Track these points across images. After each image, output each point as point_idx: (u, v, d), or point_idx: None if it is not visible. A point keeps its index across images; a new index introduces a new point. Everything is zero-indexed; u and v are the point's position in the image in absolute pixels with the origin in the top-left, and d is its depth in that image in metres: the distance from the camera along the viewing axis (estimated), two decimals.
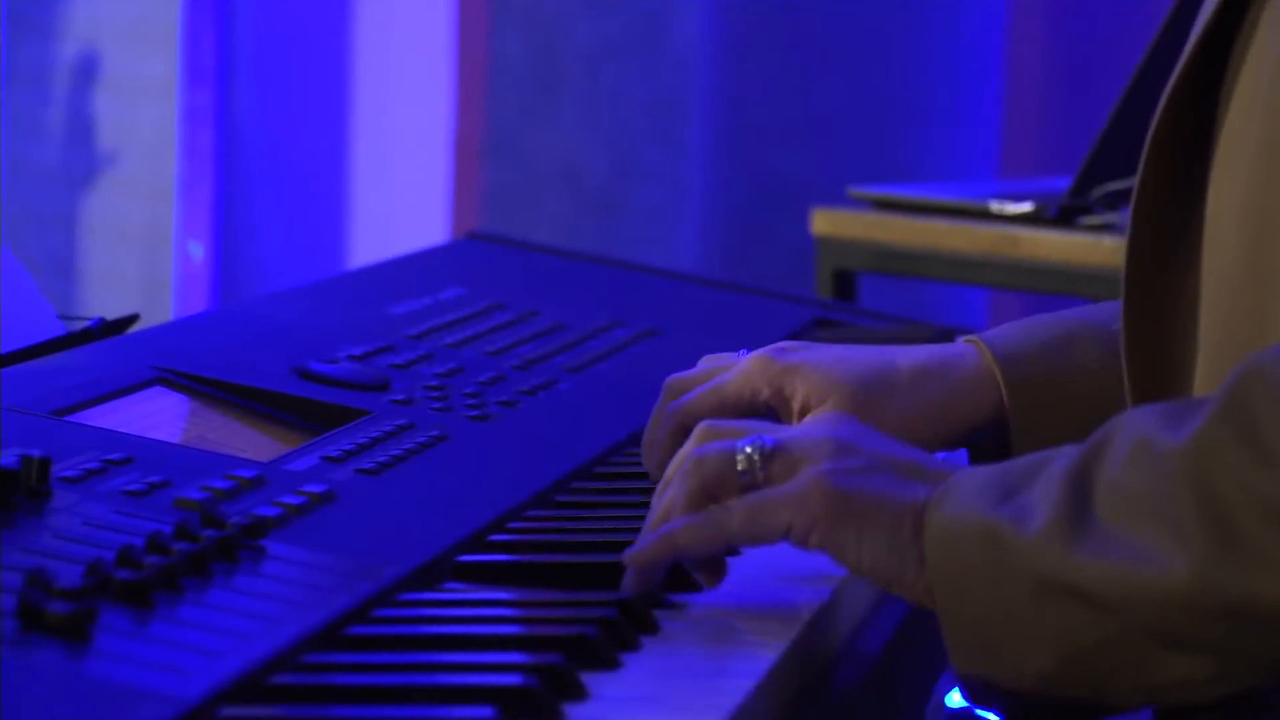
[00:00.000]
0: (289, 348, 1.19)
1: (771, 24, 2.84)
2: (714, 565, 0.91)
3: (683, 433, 0.98)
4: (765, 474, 0.88)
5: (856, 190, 2.18)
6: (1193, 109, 0.93)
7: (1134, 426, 0.84)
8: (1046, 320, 1.08)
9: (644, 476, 1.04)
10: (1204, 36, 0.92)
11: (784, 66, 2.85)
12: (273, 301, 1.34)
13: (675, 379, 1.04)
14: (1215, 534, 0.79)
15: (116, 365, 1.10)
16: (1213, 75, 0.92)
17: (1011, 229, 2.02)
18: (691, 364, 1.06)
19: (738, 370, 1.02)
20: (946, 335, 1.41)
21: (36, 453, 0.88)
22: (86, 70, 3.22)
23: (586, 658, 0.81)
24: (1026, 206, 2.03)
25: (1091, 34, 2.75)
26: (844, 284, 2.14)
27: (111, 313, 1.23)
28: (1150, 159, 0.93)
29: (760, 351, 1.03)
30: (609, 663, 0.81)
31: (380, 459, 1.02)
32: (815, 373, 1.02)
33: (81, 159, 3.25)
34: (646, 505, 0.93)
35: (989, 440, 1.06)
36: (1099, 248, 1.96)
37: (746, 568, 0.96)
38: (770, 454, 0.88)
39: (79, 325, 1.21)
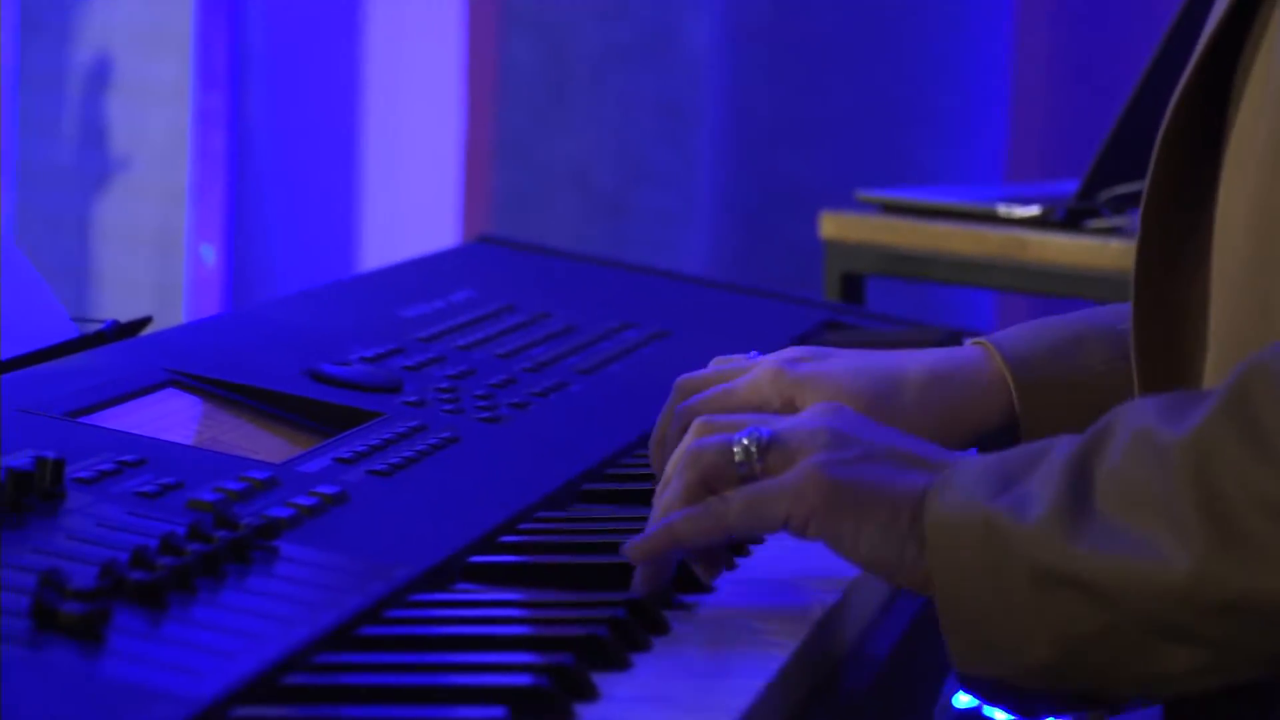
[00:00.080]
0: (301, 350, 1.19)
1: (779, 29, 2.85)
2: (713, 559, 0.92)
3: None
4: (763, 465, 0.89)
5: (864, 194, 2.19)
6: (1202, 111, 0.93)
7: (1134, 418, 0.84)
8: (1054, 323, 1.08)
9: (654, 478, 1.05)
10: (1214, 38, 0.92)
11: (792, 71, 2.85)
12: (285, 304, 1.35)
13: (685, 379, 1.04)
14: (1215, 529, 0.80)
15: (129, 367, 1.11)
16: (1223, 77, 0.92)
17: (1019, 232, 2.02)
18: (701, 366, 1.06)
19: (749, 379, 1.03)
20: (954, 338, 1.42)
21: (50, 454, 0.89)
22: (99, 74, 3.23)
23: (597, 658, 0.81)
24: (1034, 210, 2.03)
25: (1098, 39, 2.75)
26: (852, 287, 2.14)
27: (124, 315, 1.24)
28: (1160, 161, 0.94)
29: (770, 362, 1.03)
30: (619, 663, 0.82)
31: (392, 460, 1.02)
32: (825, 384, 1.02)
33: (94, 162, 3.25)
34: None
35: (999, 443, 1.06)
36: (1106, 251, 1.96)
37: (755, 569, 0.96)
38: (767, 445, 0.89)
39: (92, 328, 1.21)
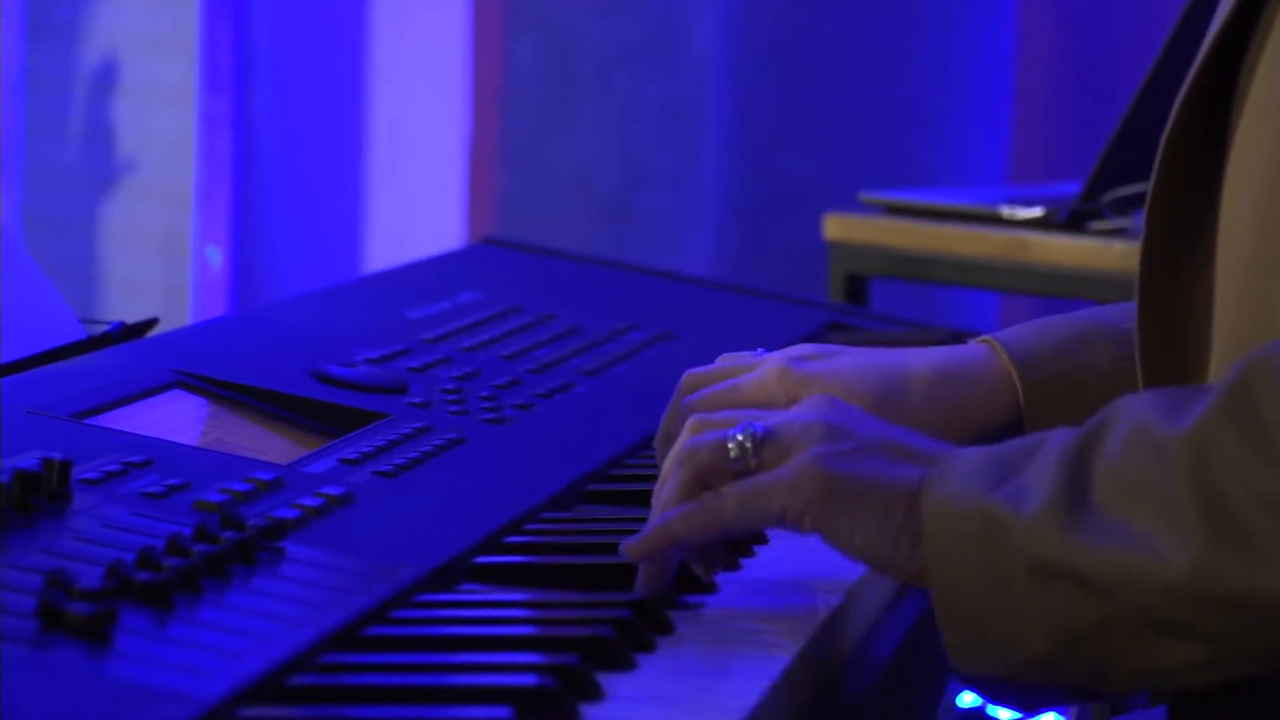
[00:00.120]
0: (307, 351, 1.19)
1: (784, 31, 2.85)
2: (711, 556, 0.92)
3: None
4: (758, 460, 0.89)
5: (868, 195, 2.19)
6: (1207, 112, 0.93)
7: (1132, 412, 0.84)
8: (1059, 321, 1.08)
9: (659, 478, 1.05)
10: (1218, 39, 0.92)
11: (796, 73, 2.85)
12: (290, 306, 1.35)
13: (691, 374, 1.04)
14: (1214, 526, 0.80)
15: (136, 369, 1.11)
16: (1227, 79, 0.92)
17: (1022, 234, 2.03)
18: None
19: (754, 376, 1.03)
20: (958, 339, 1.42)
21: (57, 455, 0.89)
22: (106, 76, 3.23)
23: (602, 658, 0.81)
24: (1037, 211, 2.03)
25: (1101, 41, 2.76)
26: (856, 288, 2.15)
27: (131, 317, 1.24)
28: (1164, 162, 0.94)
29: (776, 359, 1.03)
30: (625, 663, 0.82)
31: (397, 461, 1.02)
32: (831, 382, 1.02)
33: (100, 164, 3.26)
34: None
35: (1005, 441, 1.06)
36: (1109, 252, 1.96)
37: (760, 569, 0.97)
38: (761, 440, 0.89)
39: (99, 329, 1.22)
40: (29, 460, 0.88)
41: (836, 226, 2.15)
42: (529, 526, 1.00)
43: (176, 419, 1.06)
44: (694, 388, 1.03)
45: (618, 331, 1.38)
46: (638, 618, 0.86)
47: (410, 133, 3.25)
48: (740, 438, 0.89)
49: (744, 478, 0.89)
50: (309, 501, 0.94)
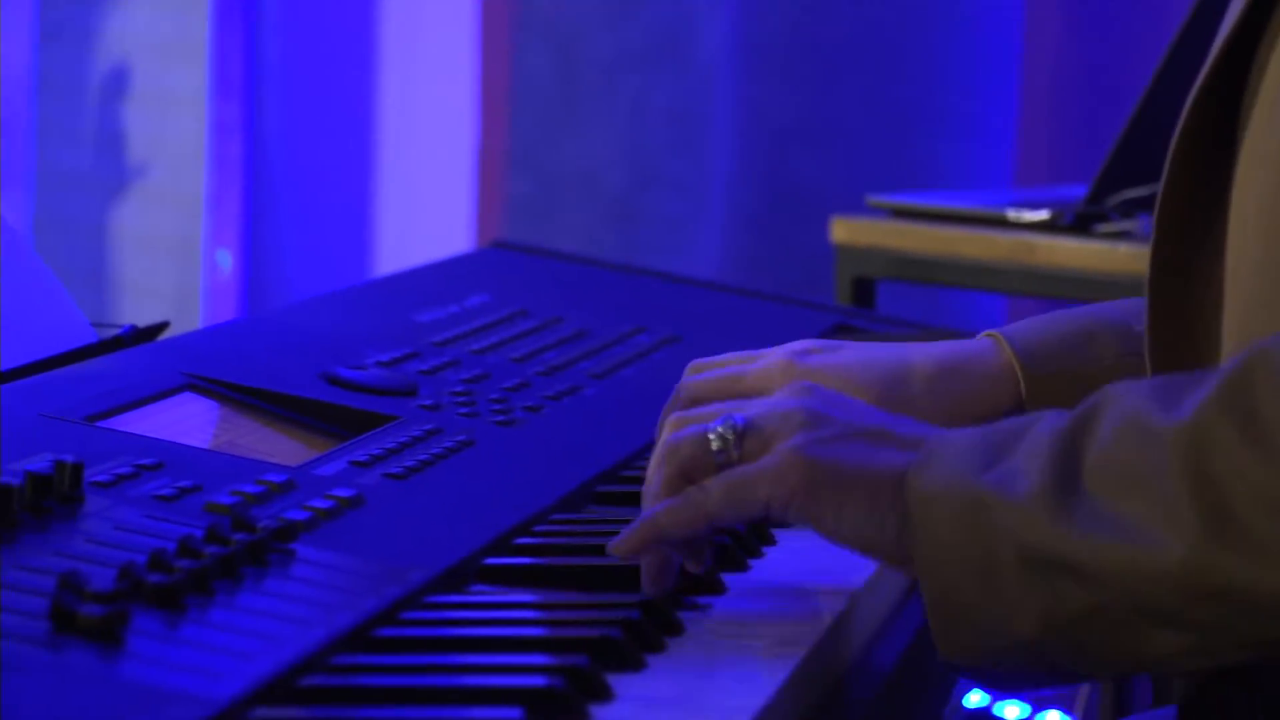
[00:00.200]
0: (317, 354, 1.20)
1: (791, 35, 2.85)
2: (699, 549, 0.91)
3: None
4: (740, 451, 0.88)
5: (875, 199, 2.19)
6: (1217, 114, 0.93)
7: (1125, 399, 0.83)
8: (1065, 316, 1.08)
9: None
10: (1229, 41, 0.92)
11: (803, 77, 2.85)
12: (301, 309, 1.35)
13: (697, 363, 1.04)
14: (1211, 520, 0.79)
15: (147, 372, 1.11)
16: (1237, 80, 0.92)
17: (1028, 236, 2.03)
18: None
19: (758, 367, 1.03)
20: None
21: (69, 458, 0.89)
22: (118, 83, 3.24)
23: (612, 659, 0.81)
24: (1043, 214, 2.03)
25: (1106, 44, 2.76)
26: (863, 291, 2.15)
27: (142, 321, 1.25)
28: (1174, 163, 0.93)
29: (781, 353, 1.04)
30: (634, 664, 0.82)
31: (408, 464, 1.03)
32: (835, 375, 1.02)
33: (112, 170, 3.27)
34: None
35: None
36: (1115, 255, 1.96)
37: (768, 570, 0.97)
38: (743, 431, 0.89)
39: (110, 333, 1.22)
40: (41, 463, 0.88)
41: (843, 229, 2.15)
42: (538, 528, 1.00)
43: (188, 422, 1.07)
44: (697, 373, 1.03)
45: (626, 334, 1.39)
46: (647, 619, 0.86)
47: (419, 137, 3.25)
48: (721, 429, 0.89)
49: (728, 469, 0.89)
50: (320, 504, 0.94)
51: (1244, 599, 0.79)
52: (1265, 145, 0.90)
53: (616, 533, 0.99)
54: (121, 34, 3.24)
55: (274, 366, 1.16)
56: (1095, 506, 0.81)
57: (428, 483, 1.01)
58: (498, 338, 1.32)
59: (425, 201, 3.25)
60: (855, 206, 2.24)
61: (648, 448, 1.15)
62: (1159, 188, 0.95)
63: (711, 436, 0.89)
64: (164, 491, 0.92)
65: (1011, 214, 2.06)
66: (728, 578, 0.94)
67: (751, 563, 0.97)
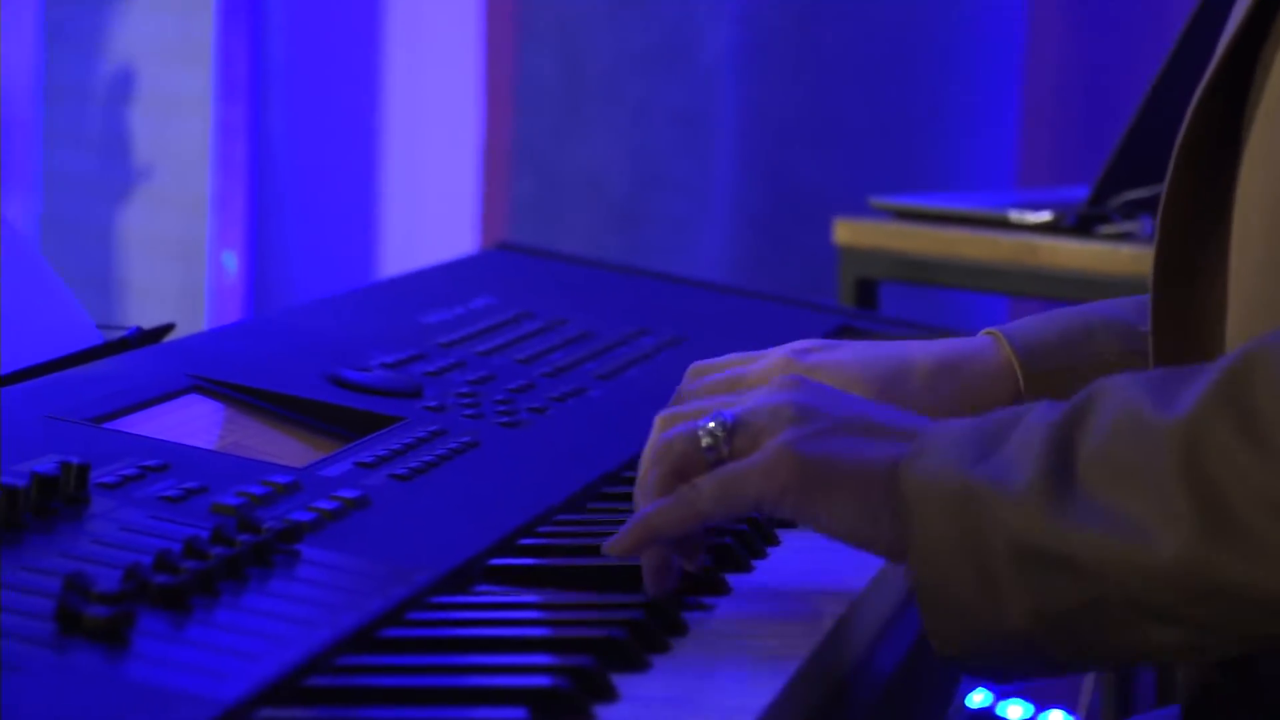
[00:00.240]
0: (322, 356, 1.20)
1: (794, 38, 2.85)
2: (693, 546, 0.91)
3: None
4: (730, 448, 0.88)
5: (878, 200, 2.20)
6: (1222, 115, 0.93)
7: (1119, 393, 0.83)
8: (1064, 314, 1.08)
9: None
10: (1234, 41, 0.92)
11: (807, 79, 2.86)
12: (306, 311, 1.35)
13: (698, 364, 1.05)
14: (1208, 518, 0.79)
15: (153, 373, 1.11)
16: (1242, 81, 0.92)
17: (1030, 238, 2.03)
18: None
19: (759, 366, 1.03)
20: None
21: (75, 459, 0.89)
22: (123, 86, 3.24)
23: (616, 659, 0.81)
24: (1045, 216, 2.04)
25: (1108, 46, 2.76)
26: (866, 292, 2.15)
27: (148, 322, 1.25)
28: (1179, 165, 0.93)
29: (780, 353, 1.04)
30: (639, 664, 0.82)
31: (413, 465, 1.03)
32: (834, 373, 1.03)
33: (118, 172, 3.27)
34: None
35: None
36: (1117, 256, 1.96)
37: (771, 571, 0.97)
38: (732, 428, 0.88)
39: (116, 335, 1.22)
40: (47, 464, 0.89)
41: (846, 231, 2.16)
42: (543, 529, 1.00)
43: (193, 423, 1.07)
44: (699, 376, 1.04)
45: (630, 336, 1.39)
46: (651, 619, 0.86)
47: (424, 139, 3.25)
48: (711, 426, 0.89)
49: (719, 466, 0.89)
50: (325, 505, 0.95)
51: (1240, 597, 0.79)
52: (1269, 145, 0.90)
53: None
54: (126, 36, 3.25)
55: (279, 368, 1.16)
56: (1090, 501, 0.81)
57: (433, 484, 1.02)
58: (502, 339, 1.32)
59: (430, 203, 3.26)
60: (858, 208, 2.25)
61: None
62: (1163, 188, 0.95)
63: (701, 434, 0.89)
64: (169, 493, 0.93)
65: (1014, 215, 2.06)
66: (731, 578, 0.95)
67: (755, 563, 0.98)
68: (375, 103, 3.28)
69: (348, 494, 0.97)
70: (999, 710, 2.03)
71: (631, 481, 1.10)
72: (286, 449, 1.07)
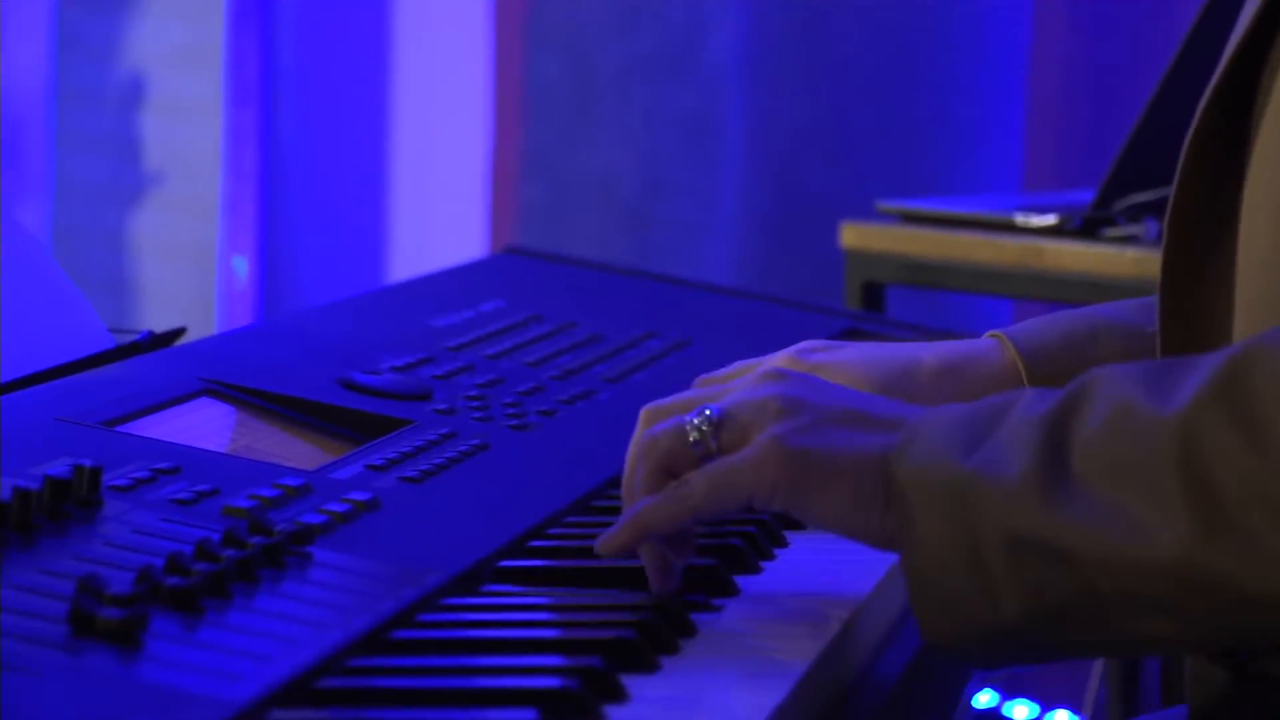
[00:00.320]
0: (333, 359, 1.20)
1: (801, 43, 2.86)
2: (685, 541, 0.91)
3: None
4: (718, 443, 0.88)
5: (884, 204, 2.20)
6: (1229, 118, 0.93)
7: (1113, 387, 0.83)
8: (1069, 316, 1.08)
9: None
10: (1242, 44, 0.92)
11: (813, 84, 2.86)
12: (316, 315, 1.36)
13: (705, 378, 1.05)
14: (1204, 515, 0.79)
15: (165, 377, 1.12)
16: (1249, 85, 0.92)
17: (1036, 241, 2.03)
18: None
19: (763, 369, 1.03)
20: None
21: (88, 462, 0.90)
22: (134, 91, 3.25)
23: (626, 660, 0.82)
24: (1051, 219, 2.04)
25: (1113, 50, 2.76)
26: (872, 296, 2.15)
27: (159, 326, 1.25)
28: (1186, 168, 0.93)
29: (785, 354, 1.04)
30: (648, 665, 0.83)
31: (423, 467, 1.03)
32: (839, 373, 1.03)
33: (129, 177, 3.28)
34: None
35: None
36: (1122, 259, 1.97)
37: (779, 573, 0.97)
38: (719, 422, 0.88)
39: (128, 338, 1.23)
40: (60, 467, 0.89)
41: (853, 235, 2.16)
42: (552, 530, 1.01)
43: (205, 426, 1.08)
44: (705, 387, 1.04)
45: (638, 339, 1.39)
46: (660, 620, 0.86)
47: (433, 144, 3.26)
48: (697, 421, 0.88)
49: (707, 462, 0.88)
50: (336, 507, 0.95)
51: (1235, 593, 0.80)
52: (1277, 146, 0.90)
53: None
54: (138, 42, 3.26)
55: (290, 371, 1.17)
56: (1084, 493, 0.81)
57: (443, 486, 1.02)
58: (512, 342, 1.33)
59: (439, 208, 3.26)
60: (865, 212, 2.25)
61: None
62: (1170, 190, 0.95)
63: (689, 429, 0.89)
64: (181, 495, 0.93)
65: (1019, 219, 2.06)
66: (740, 580, 0.95)
67: (763, 565, 0.98)
68: (385, 108, 3.28)
69: (358, 496, 0.97)
70: (1005, 710, 2.03)
71: None
72: (297, 452, 1.07)
